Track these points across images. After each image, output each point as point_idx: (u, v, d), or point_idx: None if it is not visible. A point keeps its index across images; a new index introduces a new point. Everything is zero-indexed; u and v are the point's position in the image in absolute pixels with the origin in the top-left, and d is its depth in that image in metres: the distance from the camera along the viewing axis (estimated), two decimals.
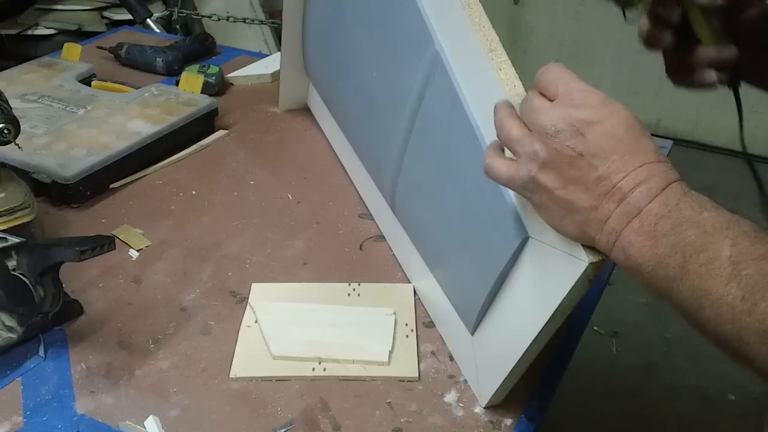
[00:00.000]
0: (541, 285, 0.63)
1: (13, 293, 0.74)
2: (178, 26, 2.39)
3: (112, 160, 1.07)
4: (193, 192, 1.08)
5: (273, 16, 2.70)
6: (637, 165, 0.52)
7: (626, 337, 2.02)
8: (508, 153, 0.60)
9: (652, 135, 0.54)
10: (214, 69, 1.36)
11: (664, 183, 0.51)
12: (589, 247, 0.56)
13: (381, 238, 0.98)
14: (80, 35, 2.09)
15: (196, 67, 1.38)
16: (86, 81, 1.31)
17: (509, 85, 0.64)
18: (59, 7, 2.20)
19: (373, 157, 0.99)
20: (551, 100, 0.55)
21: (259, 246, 0.97)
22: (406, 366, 0.78)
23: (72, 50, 1.40)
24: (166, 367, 0.78)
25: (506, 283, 0.68)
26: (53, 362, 0.78)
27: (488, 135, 0.66)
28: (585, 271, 0.56)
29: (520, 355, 0.65)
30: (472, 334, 0.75)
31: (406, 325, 0.83)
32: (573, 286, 0.58)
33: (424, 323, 0.84)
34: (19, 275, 0.74)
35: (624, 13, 0.65)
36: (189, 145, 1.18)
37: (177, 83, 1.28)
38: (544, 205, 0.56)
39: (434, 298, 0.84)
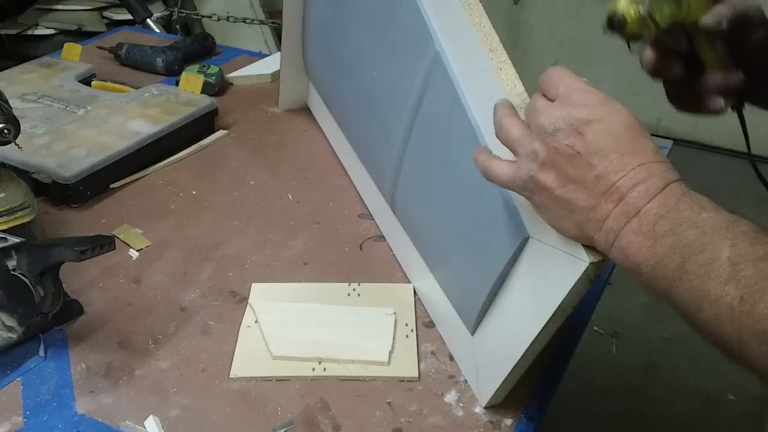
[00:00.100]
0: (542, 285, 0.63)
1: (13, 293, 0.74)
2: (178, 26, 2.39)
3: (112, 160, 1.07)
4: (193, 192, 1.08)
5: (273, 16, 2.70)
6: (636, 164, 0.51)
7: (626, 337, 2.02)
8: (500, 153, 0.60)
9: (652, 135, 0.54)
10: (214, 69, 1.36)
11: (663, 183, 0.51)
12: (590, 247, 0.56)
13: (381, 238, 0.98)
14: (80, 35, 2.10)
15: (196, 67, 1.38)
16: (86, 81, 1.32)
17: (509, 85, 0.64)
18: (59, 7, 2.20)
19: (373, 157, 0.99)
20: (553, 101, 0.55)
21: (259, 246, 0.97)
22: (406, 366, 0.78)
23: (72, 50, 1.40)
24: (166, 367, 0.78)
25: (506, 283, 0.68)
26: (53, 362, 0.78)
27: (488, 135, 0.66)
28: (585, 271, 0.56)
29: (520, 355, 0.65)
30: (472, 334, 0.75)
31: (406, 325, 0.83)
32: (573, 286, 0.58)
33: (424, 323, 0.84)
34: (19, 275, 0.74)
35: (628, 45, 0.64)
36: (189, 145, 1.18)
37: (177, 83, 1.28)
38: (543, 205, 0.56)
39: (434, 298, 0.84)
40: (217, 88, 1.34)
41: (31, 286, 0.74)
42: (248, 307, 0.85)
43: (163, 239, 0.97)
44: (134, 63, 1.45)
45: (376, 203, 1.01)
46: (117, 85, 1.31)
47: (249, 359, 0.78)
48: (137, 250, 0.95)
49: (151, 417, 0.70)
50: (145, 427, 0.70)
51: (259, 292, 0.88)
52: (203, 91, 1.26)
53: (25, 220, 0.86)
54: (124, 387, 0.75)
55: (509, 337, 0.68)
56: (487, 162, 0.60)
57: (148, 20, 2.03)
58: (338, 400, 0.74)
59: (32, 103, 1.20)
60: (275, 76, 1.38)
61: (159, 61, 1.42)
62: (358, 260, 0.95)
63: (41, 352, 0.80)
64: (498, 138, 0.59)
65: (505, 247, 0.66)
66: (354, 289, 0.88)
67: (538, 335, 0.63)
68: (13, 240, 0.75)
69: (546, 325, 0.62)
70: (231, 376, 0.76)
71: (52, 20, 2.18)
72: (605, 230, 0.52)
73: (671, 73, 0.67)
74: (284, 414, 0.72)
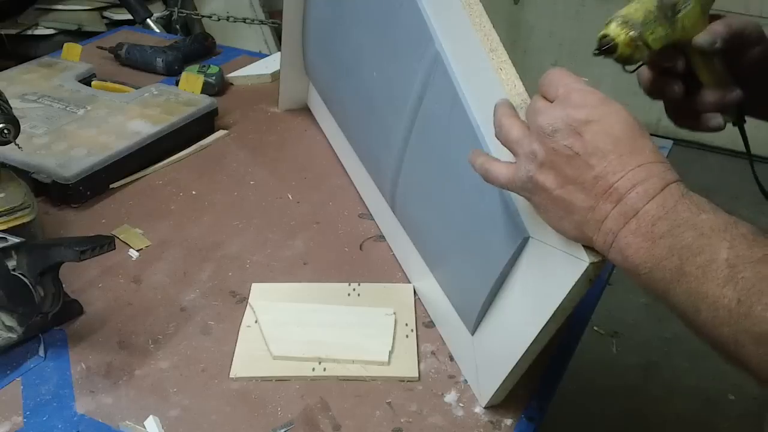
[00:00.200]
0: (542, 285, 0.63)
1: (13, 293, 0.74)
2: (178, 26, 2.39)
3: (112, 160, 1.07)
4: (193, 192, 1.08)
5: (273, 16, 2.70)
6: (635, 165, 0.51)
7: (626, 337, 2.02)
8: (500, 153, 0.60)
9: (652, 135, 0.54)
10: (214, 69, 1.36)
11: (662, 184, 0.51)
12: (590, 247, 0.56)
13: (381, 238, 0.98)
14: (80, 35, 2.10)
15: (196, 67, 1.38)
16: (86, 81, 1.32)
17: (509, 85, 0.64)
18: (59, 7, 2.20)
19: (373, 157, 0.99)
20: (553, 102, 0.55)
21: (259, 246, 0.97)
22: (406, 366, 0.78)
23: (72, 50, 1.40)
24: (166, 367, 0.78)
25: (506, 283, 0.68)
26: (53, 362, 0.78)
27: (488, 135, 0.66)
28: (585, 271, 0.56)
29: (520, 355, 0.65)
30: (472, 334, 0.75)
31: (406, 325, 0.83)
32: (573, 286, 0.58)
33: (424, 323, 0.84)
34: (19, 275, 0.74)
35: (623, 67, 0.63)
36: (189, 145, 1.18)
37: (177, 83, 1.28)
38: (543, 206, 0.56)
39: (434, 298, 0.84)
40: (217, 88, 1.34)
41: (31, 286, 0.74)
42: (248, 307, 0.85)
43: (163, 239, 0.97)
44: (134, 63, 1.45)
45: (376, 203, 1.01)
46: (117, 85, 1.31)
47: (249, 359, 0.78)
48: (137, 250, 0.95)
49: (151, 417, 0.70)
50: (145, 427, 0.70)
51: (259, 292, 0.88)
52: (203, 91, 1.26)
53: (25, 220, 0.86)
54: (124, 387, 0.75)
55: (509, 337, 0.68)
56: (486, 164, 0.60)
57: (148, 20, 2.03)
58: (338, 400, 0.74)
59: (32, 103, 1.20)
60: (275, 76, 1.38)
61: (159, 61, 1.42)
62: (358, 260, 0.95)
63: (41, 352, 0.80)
64: (497, 138, 0.59)
65: (505, 247, 0.66)
66: (354, 289, 0.88)
67: (538, 335, 0.63)
68: (13, 240, 0.75)
69: (546, 325, 0.62)
70: (231, 376, 0.77)
71: (52, 20, 2.18)
72: (604, 231, 0.52)
73: (669, 93, 0.67)
74: (284, 414, 0.72)
